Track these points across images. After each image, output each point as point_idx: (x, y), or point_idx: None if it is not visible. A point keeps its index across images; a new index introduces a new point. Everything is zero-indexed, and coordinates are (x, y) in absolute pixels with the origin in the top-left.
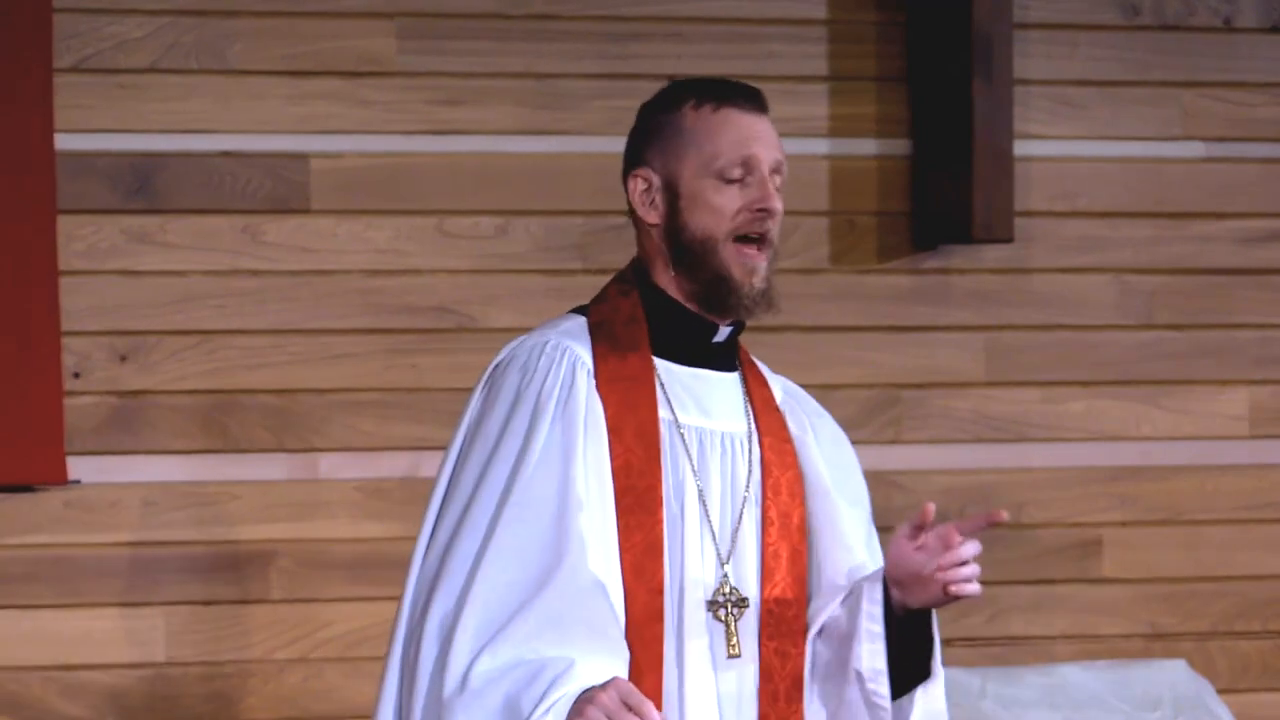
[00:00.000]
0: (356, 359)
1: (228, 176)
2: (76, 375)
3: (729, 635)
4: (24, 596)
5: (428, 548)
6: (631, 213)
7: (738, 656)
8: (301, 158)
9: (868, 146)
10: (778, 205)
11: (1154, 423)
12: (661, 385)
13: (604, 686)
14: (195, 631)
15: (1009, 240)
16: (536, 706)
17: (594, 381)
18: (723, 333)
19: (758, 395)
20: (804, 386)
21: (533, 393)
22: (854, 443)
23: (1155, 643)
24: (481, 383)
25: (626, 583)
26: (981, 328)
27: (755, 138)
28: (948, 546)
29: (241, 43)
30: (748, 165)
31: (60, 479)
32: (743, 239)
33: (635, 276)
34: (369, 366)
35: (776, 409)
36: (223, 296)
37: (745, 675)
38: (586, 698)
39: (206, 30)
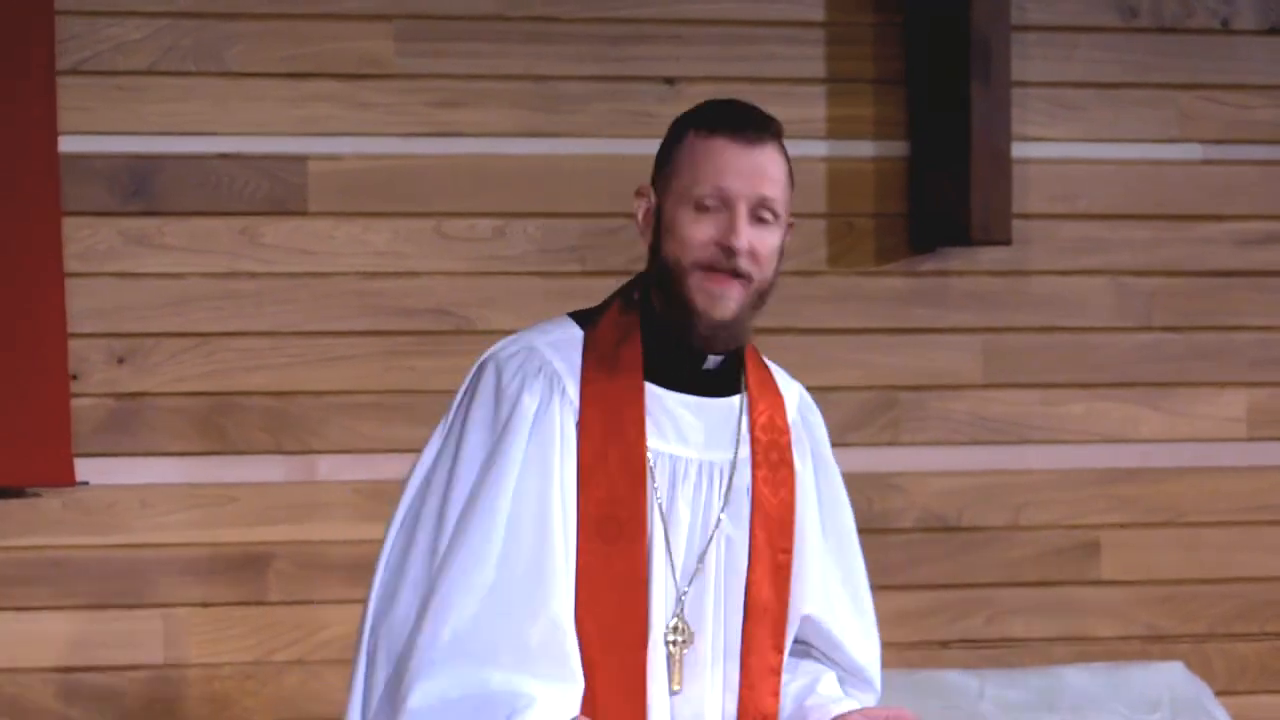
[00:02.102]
0: (355, 361)
1: (226, 178)
2: (74, 377)
3: (671, 670)
4: (22, 598)
5: (393, 546)
6: None
7: (679, 692)
8: (300, 160)
9: (866, 148)
10: (741, 244)
11: (1152, 424)
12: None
13: None
14: (193, 633)
15: (1007, 242)
16: None
17: (573, 402)
18: (712, 361)
19: (761, 420)
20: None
21: (507, 406)
22: (852, 445)
23: (1153, 644)
24: (466, 380)
25: (606, 614)
26: (980, 329)
27: (737, 170)
28: None
29: (240, 45)
30: (722, 196)
31: (68, 480)
32: (709, 269)
33: (640, 293)
34: (367, 368)
35: (785, 431)
36: (221, 298)
37: (692, 710)
38: None
39: (205, 32)
